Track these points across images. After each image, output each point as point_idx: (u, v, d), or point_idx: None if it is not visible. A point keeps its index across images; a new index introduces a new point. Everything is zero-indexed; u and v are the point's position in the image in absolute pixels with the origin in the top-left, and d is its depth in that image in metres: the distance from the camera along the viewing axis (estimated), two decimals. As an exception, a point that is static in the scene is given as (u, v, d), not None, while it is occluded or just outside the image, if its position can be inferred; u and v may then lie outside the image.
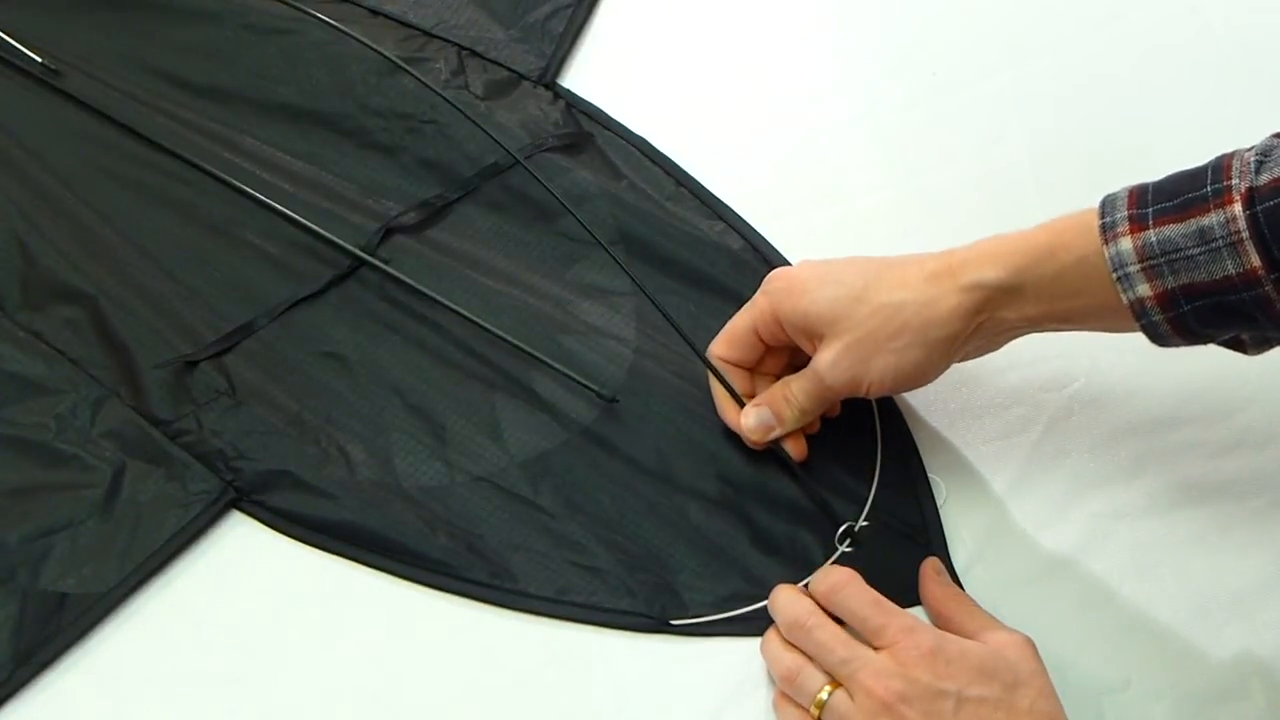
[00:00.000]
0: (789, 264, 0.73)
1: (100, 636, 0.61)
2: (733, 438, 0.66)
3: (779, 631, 0.59)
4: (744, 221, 0.75)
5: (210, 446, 0.66)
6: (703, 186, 0.77)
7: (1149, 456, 0.66)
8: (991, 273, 0.58)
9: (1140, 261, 0.54)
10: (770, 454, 0.65)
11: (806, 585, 0.61)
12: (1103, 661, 0.60)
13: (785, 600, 0.59)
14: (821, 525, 0.64)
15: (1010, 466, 0.66)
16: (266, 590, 0.63)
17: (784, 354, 0.66)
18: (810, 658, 0.57)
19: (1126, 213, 0.55)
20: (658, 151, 0.78)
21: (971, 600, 0.60)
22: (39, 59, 0.81)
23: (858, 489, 0.65)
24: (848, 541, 0.63)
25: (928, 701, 0.53)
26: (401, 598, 0.63)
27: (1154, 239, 0.54)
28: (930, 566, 0.61)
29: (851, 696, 0.54)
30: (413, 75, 0.74)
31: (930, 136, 0.79)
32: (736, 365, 0.66)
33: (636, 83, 0.82)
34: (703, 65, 0.83)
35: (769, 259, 0.73)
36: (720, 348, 0.66)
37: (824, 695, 0.55)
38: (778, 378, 0.66)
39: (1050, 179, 0.76)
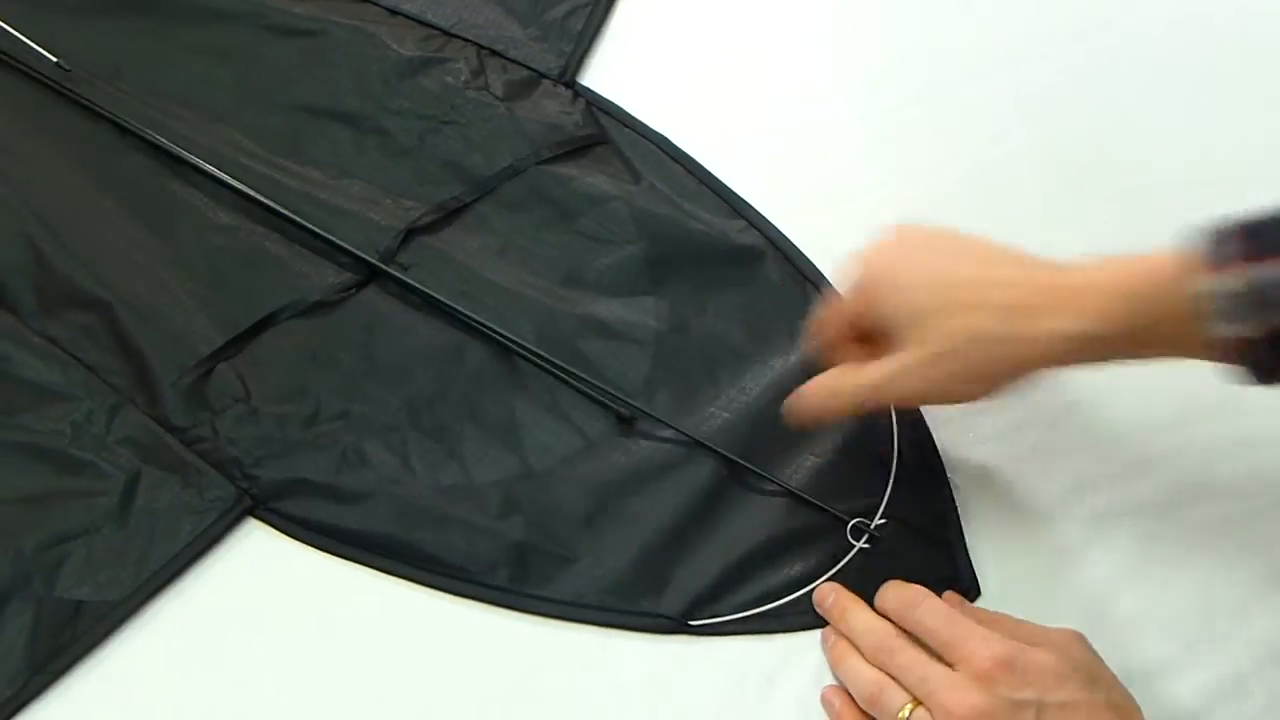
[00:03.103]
0: (810, 262, 0.72)
1: (115, 644, 0.61)
2: (749, 439, 0.65)
3: (858, 652, 0.59)
4: (765, 219, 0.74)
5: (226, 454, 0.66)
6: (724, 184, 0.76)
7: (1149, 456, 0.66)
8: (1069, 322, 0.54)
9: (1236, 299, 0.50)
10: (790, 452, 0.65)
11: (829, 579, 0.62)
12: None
13: (866, 622, 0.60)
14: (839, 522, 0.64)
15: (1010, 466, 0.66)
16: (282, 597, 0.63)
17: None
18: (892, 677, 0.57)
19: (1225, 248, 0.50)
20: (678, 149, 0.78)
21: (1006, 615, 0.59)
22: (53, 58, 0.80)
23: (874, 485, 0.65)
24: (865, 538, 0.63)
25: (1008, 713, 0.53)
26: (419, 603, 0.63)
27: (1265, 275, 0.49)
28: (951, 599, 0.61)
29: (932, 715, 0.54)
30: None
31: (932, 135, 0.78)
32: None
33: (656, 81, 0.82)
34: (723, 62, 0.83)
35: (790, 257, 0.73)
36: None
37: (905, 713, 0.55)
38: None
39: (1050, 179, 0.76)
